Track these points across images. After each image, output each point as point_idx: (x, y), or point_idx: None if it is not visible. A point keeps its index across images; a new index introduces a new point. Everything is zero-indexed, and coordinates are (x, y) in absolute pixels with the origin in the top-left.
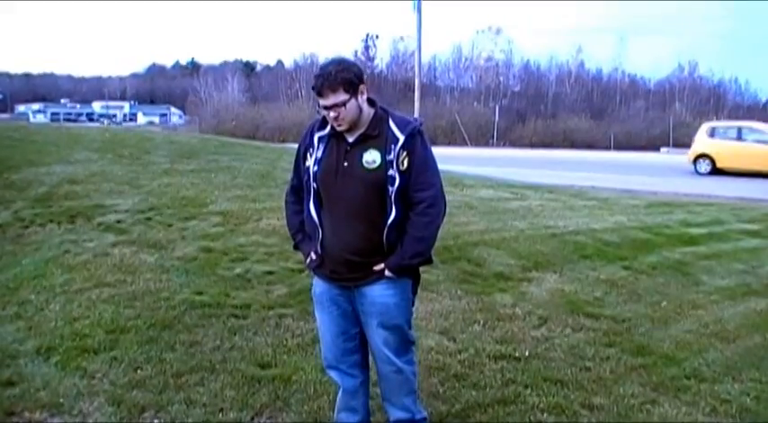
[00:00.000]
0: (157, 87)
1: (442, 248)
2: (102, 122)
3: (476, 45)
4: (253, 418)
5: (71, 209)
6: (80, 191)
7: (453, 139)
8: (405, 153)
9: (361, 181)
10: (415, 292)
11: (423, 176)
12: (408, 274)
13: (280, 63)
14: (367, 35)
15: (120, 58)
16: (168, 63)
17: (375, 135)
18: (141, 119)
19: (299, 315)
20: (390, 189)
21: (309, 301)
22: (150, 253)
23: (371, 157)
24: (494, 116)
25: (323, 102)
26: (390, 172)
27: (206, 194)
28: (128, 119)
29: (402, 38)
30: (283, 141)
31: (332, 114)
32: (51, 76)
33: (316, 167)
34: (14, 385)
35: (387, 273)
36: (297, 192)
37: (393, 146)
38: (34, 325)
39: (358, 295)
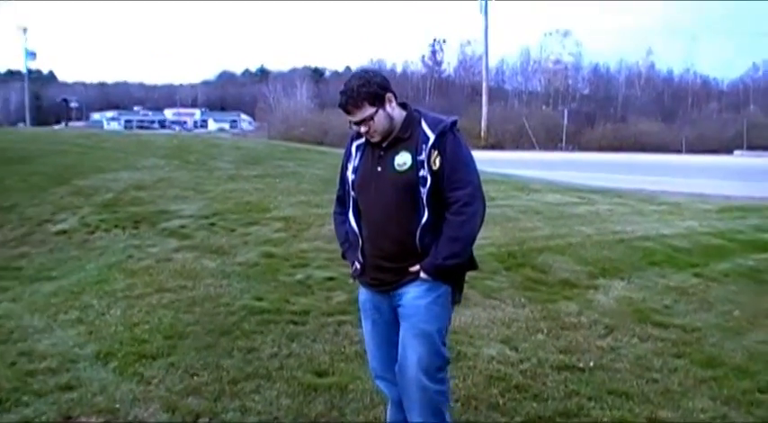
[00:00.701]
0: (228, 94)
1: (507, 254)
2: (174, 129)
3: (544, 48)
4: None
5: (136, 214)
6: (145, 197)
7: (522, 143)
8: (436, 152)
9: (393, 184)
10: (456, 301)
11: (457, 175)
12: (447, 280)
13: (348, 69)
14: (434, 40)
15: (191, 66)
16: (238, 70)
17: (406, 137)
18: (212, 125)
19: (357, 322)
20: (422, 190)
21: None
22: (212, 258)
23: (402, 159)
24: (562, 120)
25: (351, 118)
26: (422, 172)
27: (269, 200)
28: (198, 125)
29: (469, 42)
30: None
31: (362, 129)
32: (125, 84)
33: (353, 176)
34: (73, 389)
35: (422, 274)
36: (343, 202)
37: (424, 145)
38: (95, 330)
39: (396, 299)
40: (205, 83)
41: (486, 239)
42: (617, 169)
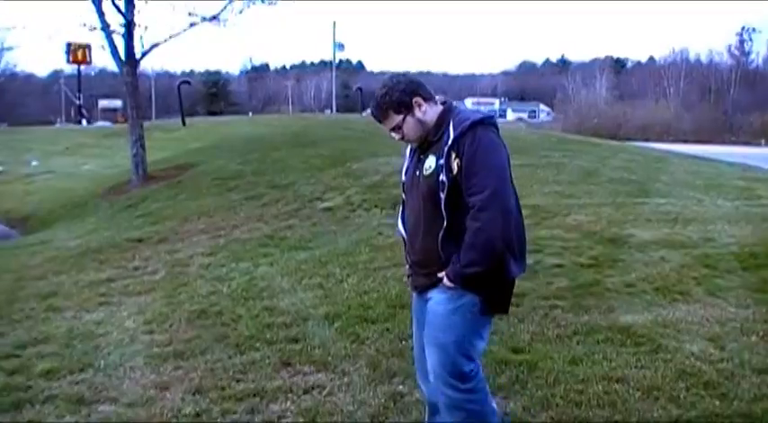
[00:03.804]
0: (527, 84)
1: (748, 255)
2: None
3: None
4: None
5: (395, 197)
6: None
7: None
8: (454, 154)
9: (421, 190)
10: (499, 311)
11: (473, 179)
12: (474, 289)
13: (651, 59)
14: (743, 28)
15: (492, 56)
16: (539, 61)
17: (436, 140)
18: (510, 115)
19: (569, 307)
20: (441, 195)
21: (585, 296)
22: None
23: (428, 164)
24: None
25: (383, 126)
26: (441, 177)
27: (524, 188)
28: (497, 115)
29: None
30: (647, 140)
31: (396, 136)
32: (428, 74)
33: (404, 178)
34: (297, 342)
35: (445, 281)
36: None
37: (445, 148)
38: (330, 294)
39: (426, 302)
40: (505, 73)
41: (732, 238)
42: None
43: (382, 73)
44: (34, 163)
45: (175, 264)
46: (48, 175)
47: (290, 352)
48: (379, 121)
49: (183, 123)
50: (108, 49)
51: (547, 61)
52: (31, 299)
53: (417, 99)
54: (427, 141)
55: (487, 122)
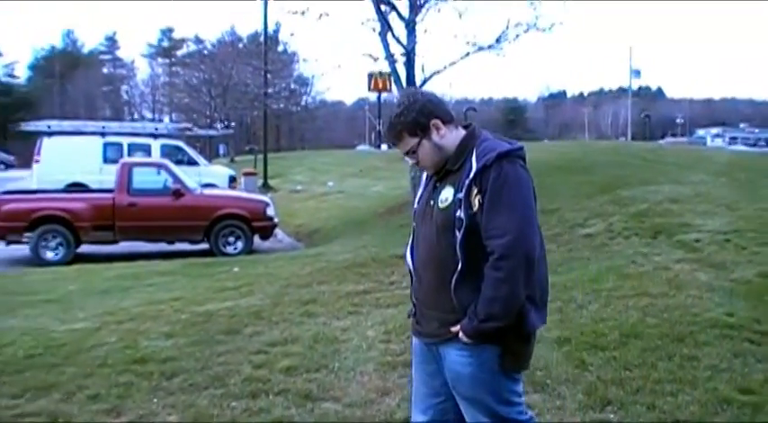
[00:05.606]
0: None
1: None
2: None
3: None
4: None
5: (658, 225)
6: (676, 209)
7: None
8: (476, 190)
9: (436, 223)
10: (519, 368)
11: (495, 220)
12: (493, 341)
13: None
14: None
15: None
16: None
17: (456, 169)
18: None
19: None
20: (457, 234)
21: None
22: (707, 272)
23: (445, 195)
24: None
25: (398, 149)
26: (458, 213)
27: None
28: None
29: None
30: None
31: (411, 161)
32: (732, 100)
33: (417, 205)
34: None
35: (461, 336)
36: None
37: (466, 180)
38: (566, 319)
39: (439, 356)
40: None
41: None
42: None
43: (683, 100)
44: (330, 183)
45: None
46: (339, 194)
47: None
48: (393, 144)
49: None
50: (392, 77)
51: None
52: (292, 304)
53: (436, 121)
54: (445, 169)
55: (515, 154)
